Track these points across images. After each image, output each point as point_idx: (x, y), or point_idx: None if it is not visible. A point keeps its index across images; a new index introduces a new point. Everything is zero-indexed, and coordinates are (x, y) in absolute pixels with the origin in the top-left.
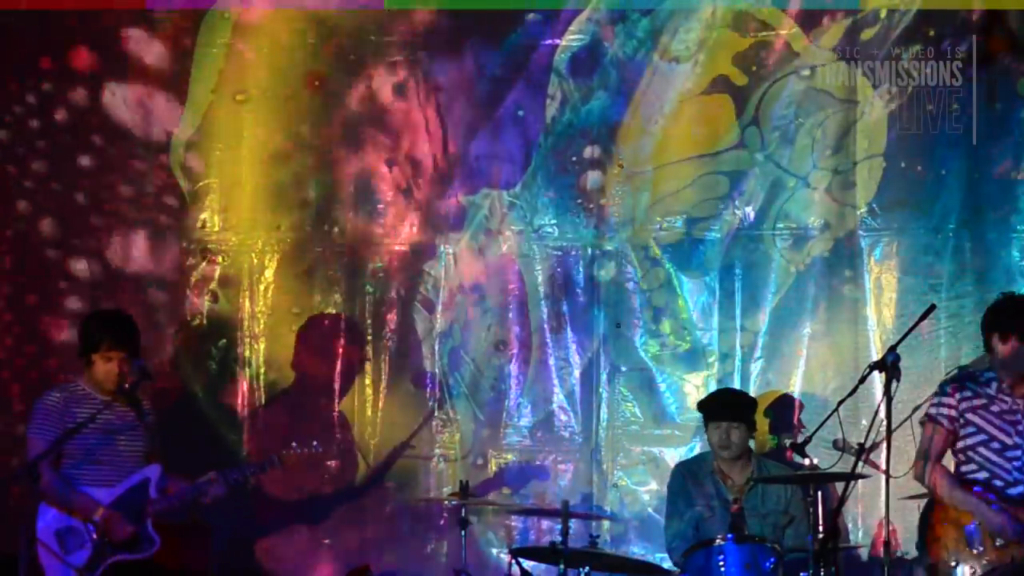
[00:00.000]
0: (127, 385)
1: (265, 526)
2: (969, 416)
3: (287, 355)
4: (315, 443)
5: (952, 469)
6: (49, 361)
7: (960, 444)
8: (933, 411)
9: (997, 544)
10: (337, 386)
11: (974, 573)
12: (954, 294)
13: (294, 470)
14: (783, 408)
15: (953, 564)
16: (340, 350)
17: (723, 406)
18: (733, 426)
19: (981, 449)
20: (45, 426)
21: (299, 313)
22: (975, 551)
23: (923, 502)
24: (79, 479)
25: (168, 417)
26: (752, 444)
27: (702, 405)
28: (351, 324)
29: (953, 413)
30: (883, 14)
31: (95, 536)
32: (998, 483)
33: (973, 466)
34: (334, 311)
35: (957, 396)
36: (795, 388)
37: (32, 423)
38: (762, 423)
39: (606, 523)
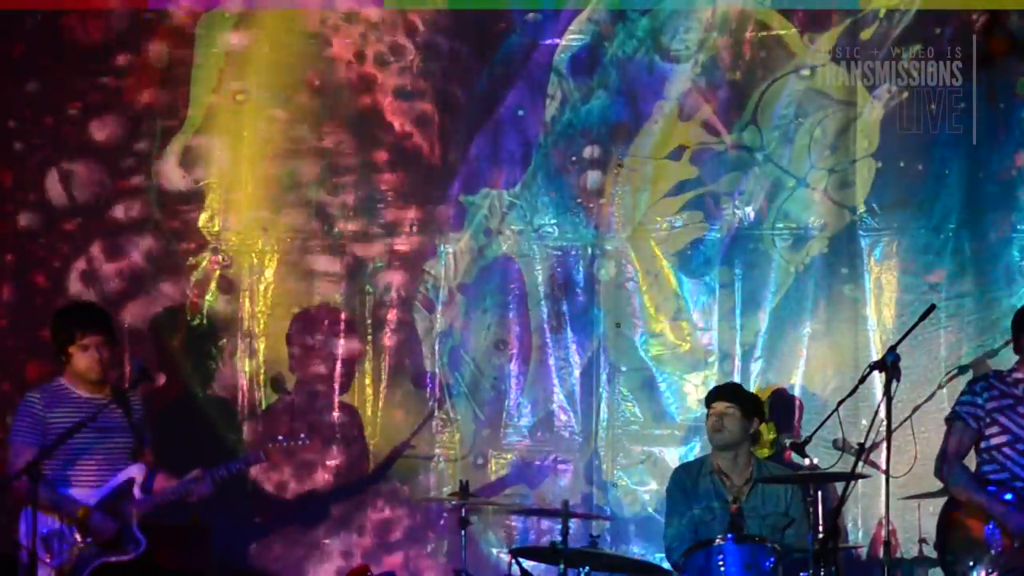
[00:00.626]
0: (127, 385)
1: (265, 526)
2: (996, 416)
3: (287, 355)
4: (303, 436)
5: (974, 468)
6: (46, 365)
7: (984, 444)
8: (960, 409)
9: (1016, 545)
10: (337, 380)
11: (992, 574)
12: (954, 294)
13: (284, 464)
14: (780, 404)
15: (971, 564)
16: (329, 342)
17: (721, 388)
18: (728, 409)
19: (1006, 449)
20: (25, 428)
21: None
22: (993, 552)
23: (923, 502)
24: (64, 480)
25: (168, 417)
26: (760, 452)
27: (707, 396)
28: (334, 313)
29: (980, 412)
30: (883, 14)
31: (78, 537)
32: (1019, 484)
33: (995, 466)
34: (333, 311)
35: (985, 395)
36: (795, 389)
37: (14, 425)
38: (765, 432)
39: (606, 523)
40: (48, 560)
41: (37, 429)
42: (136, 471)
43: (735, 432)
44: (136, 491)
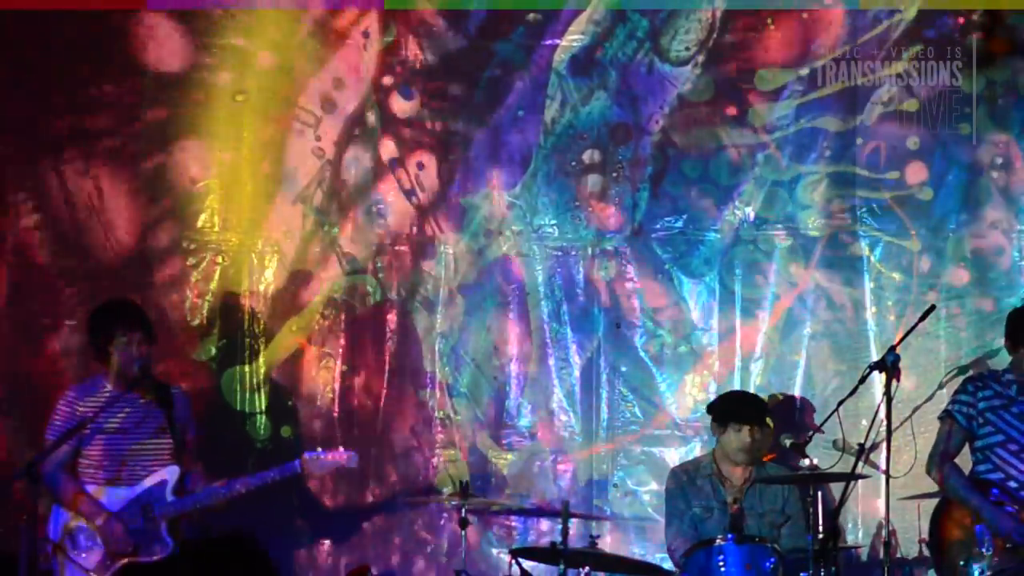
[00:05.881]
0: (130, 385)
1: (266, 525)
2: (989, 416)
3: (287, 356)
4: (342, 449)
5: (970, 466)
6: (47, 363)
7: (978, 443)
8: (951, 408)
9: (1007, 545)
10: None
11: (983, 573)
12: (954, 294)
13: (320, 476)
14: (786, 410)
15: (963, 563)
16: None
17: (750, 407)
18: (757, 428)
19: (998, 449)
20: (58, 426)
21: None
22: (984, 551)
23: (923, 502)
24: (97, 478)
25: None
26: None
27: (721, 408)
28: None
29: (972, 412)
30: (883, 14)
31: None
32: (1012, 484)
33: (989, 465)
34: (333, 312)
35: (978, 395)
36: (795, 389)
37: (49, 423)
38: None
39: (606, 523)
40: (77, 554)
41: (68, 425)
42: (168, 473)
43: (764, 449)
44: (167, 493)
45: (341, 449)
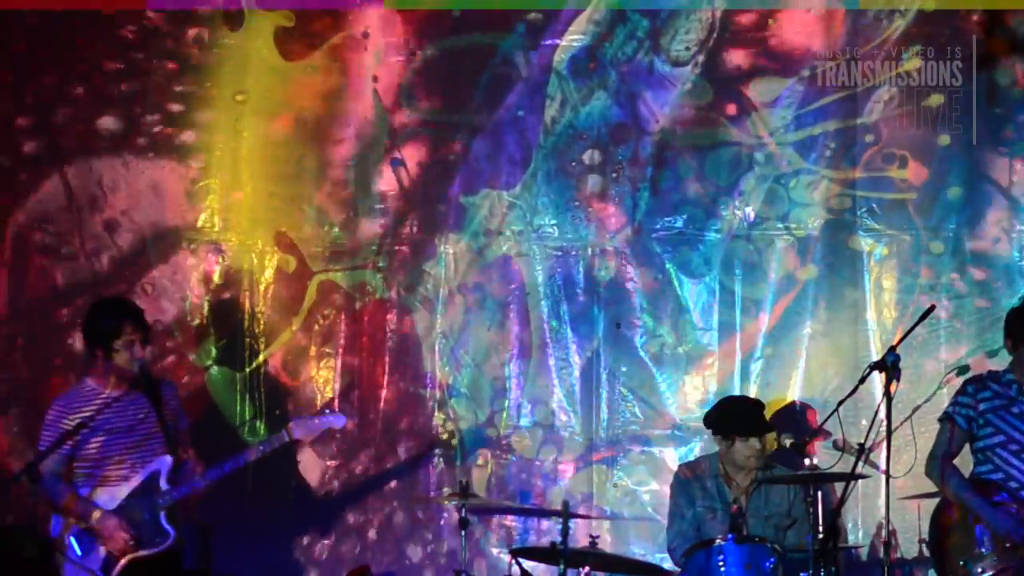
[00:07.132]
0: (131, 385)
1: (265, 525)
2: (989, 417)
3: (287, 355)
4: (327, 411)
5: (969, 468)
6: (47, 362)
7: (978, 444)
8: (951, 410)
9: (1006, 545)
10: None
11: (983, 573)
12: (954, 294)
13: (308, 441)
14: (789, 416)
15: (963, 564)
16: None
17: (753, 416)
18: (762, 438)
19: (999, 450)
20: (49, 439)
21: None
22: (984, 551)
23: (923, 502)
24: (95, 478)
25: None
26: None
27: (723, 421)
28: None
29: (971, 413)
30: (883, 14)
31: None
32: (1013, 484)
33: (990, 466)
34: (334, 311)
35: (977, 396)
36: (795, 389)
37: (40, 437)
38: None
39: (606, 523)
40: (81, 557)
41: (60, 437)
42: (161, 464)
43: (771, 450)
44: (162, 483)
45: (327, 412)
